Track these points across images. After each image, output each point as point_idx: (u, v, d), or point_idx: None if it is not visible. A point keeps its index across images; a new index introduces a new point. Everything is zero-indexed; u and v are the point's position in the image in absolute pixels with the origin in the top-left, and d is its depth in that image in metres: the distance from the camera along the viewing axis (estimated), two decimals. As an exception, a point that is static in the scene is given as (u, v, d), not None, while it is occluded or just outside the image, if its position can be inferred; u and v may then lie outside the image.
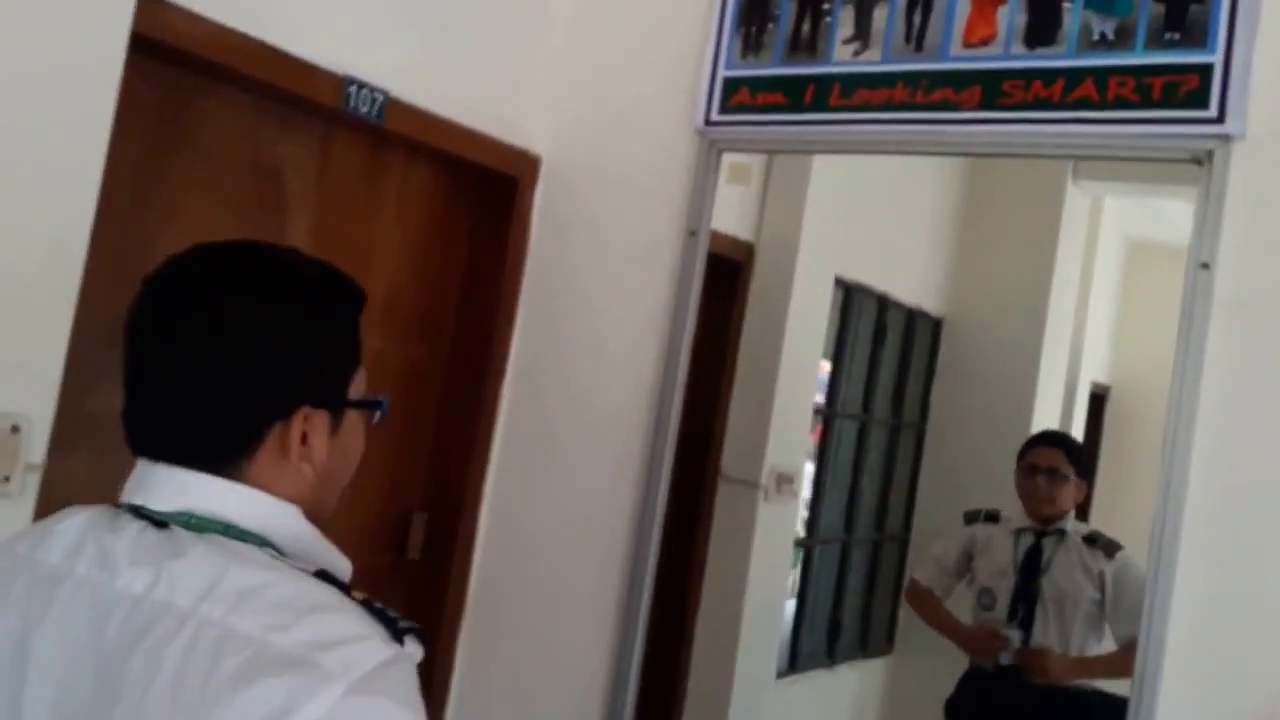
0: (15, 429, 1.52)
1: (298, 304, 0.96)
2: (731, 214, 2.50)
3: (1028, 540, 2.75)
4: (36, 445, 1.55)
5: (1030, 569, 2.71)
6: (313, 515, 0.98)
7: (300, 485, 0.96)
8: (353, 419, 1.00)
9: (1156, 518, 1.76)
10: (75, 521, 0.95)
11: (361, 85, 2.07)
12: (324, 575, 0.89)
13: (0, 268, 1.52)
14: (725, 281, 2.57)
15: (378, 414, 1.03)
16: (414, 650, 0.86)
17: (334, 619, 0.84)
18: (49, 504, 1.57)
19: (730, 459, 2.69)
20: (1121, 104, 1.83)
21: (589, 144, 2.42)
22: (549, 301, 2.42)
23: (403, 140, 2.22)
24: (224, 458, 0.93)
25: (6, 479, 1.51)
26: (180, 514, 0.91)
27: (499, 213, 2.41)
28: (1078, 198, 3.18)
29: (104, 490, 1.82)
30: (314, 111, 2.08)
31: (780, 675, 2.97)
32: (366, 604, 0.87)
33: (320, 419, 0.96)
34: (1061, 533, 2.71)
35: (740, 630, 2.72)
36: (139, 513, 0.93)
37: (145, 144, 1.85)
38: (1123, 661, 2.52)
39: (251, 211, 2.06)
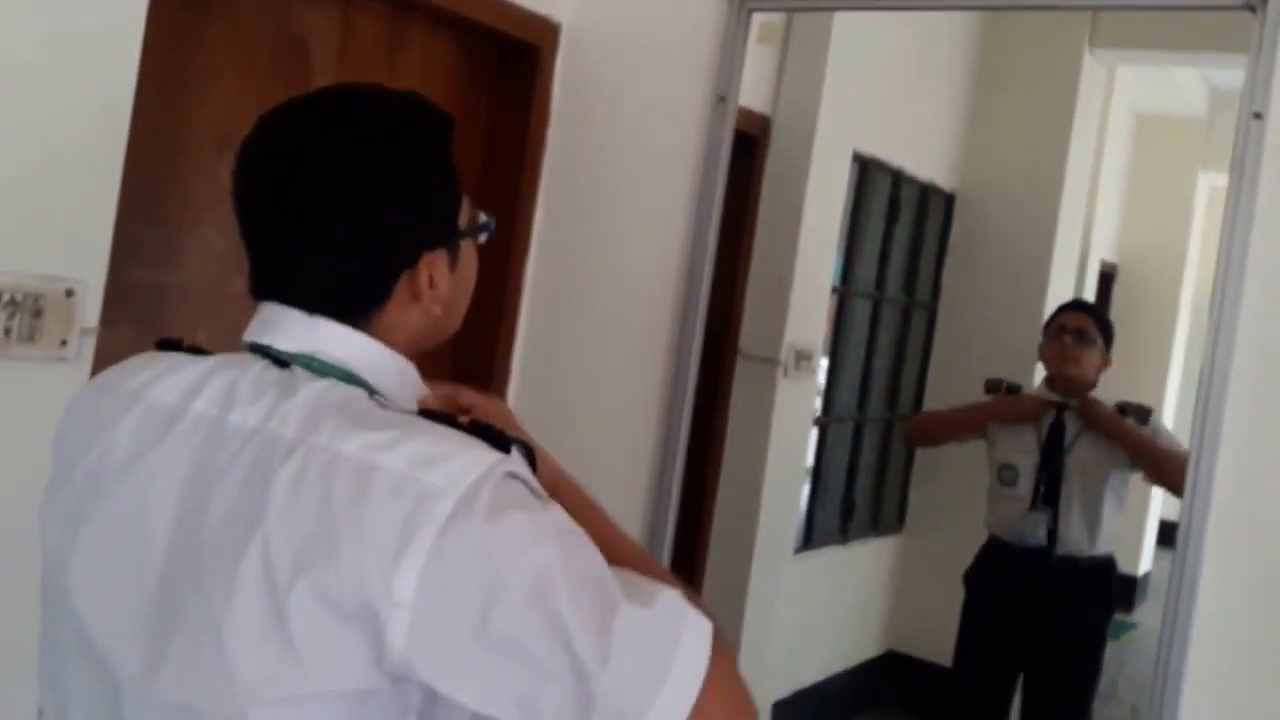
0: (70, 293, 1.53)
1: (407, 154, 0.97)
2: (747, 84, 2.46)
3: (1051, 416, 2.79)
4: (90, 310, 1.57)
5: (1054, 445, 2.76)
6: (438, 339, 1.02)
7: (426, 321, 0.99)
8: (467, 245, 1.03)
9: (1204, 374, 1.75)
10: (196, 368, 0.96)
11: (381, -55, 2.03)
12: (427, 412, 0.91)
13: (53, 134, 1.53)
14: (739, 154, 2.54)
15: (485, 234, 1.06)
16: (518, 456, 0.87)
17: (436, 435, 0.85)
18: (102, 369, 1.57)
19: (749, 337, 2.70)
20: (1173, -53, 1.81)
21: (612, 7, 2.37)
22: (572, 174, 2.40)
23: (424, 8, 2.18)
24: (358, 311, 0.95)
25: (64, 342, 1.53)
26: (303, 355, 0.93)
27: (520, 83, 2.38)
28: (1094, 67, 3.17)
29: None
30: (336, -26, 2.05)
31: (796, 551, 3.04)
32: (473, 425, 0.87)
33: (441, 258, 0.98)
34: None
35: (760, 506, 2.76)
36: (264, 352, 0.95)
37: (174, 15, 1.82)
38: (1150, 446, 2.61)
39: (278, 82, 2.04)
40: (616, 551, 0.90)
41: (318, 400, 0.88)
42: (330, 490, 0.81)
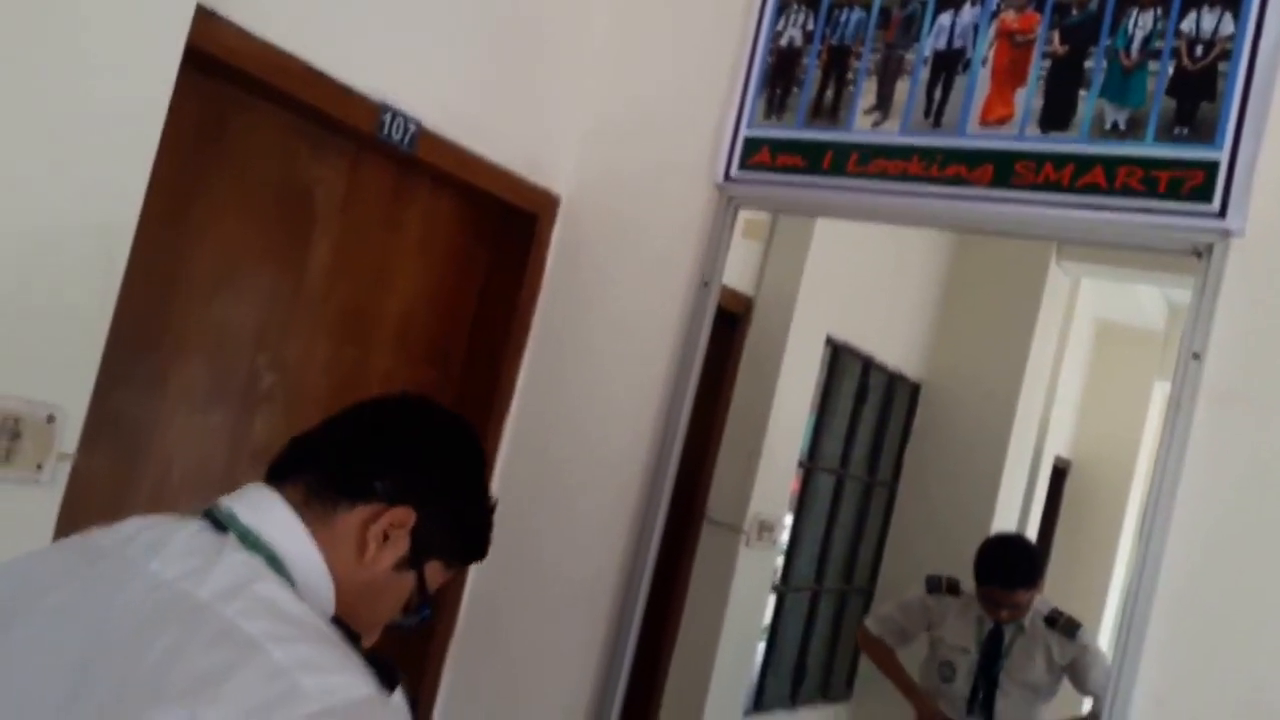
0: (51, 418, 1.49)
1: (472, 485, 1.08)
2: (734, 268, 2.49)
3: (989, 623, 2.74)
4: (69, 435, 1.53)
5: (991, 652, 2.70)
6: (348, 617, 0.99)
7: (345, 568, 0.98)
8: (406, 580, 1.03)
9: (1128, 601, 1.75)
10: (138, 521, 0.97)
11: (396, 114, 2.06)
12: (338, 622, 0.91)
13: (50, 261, 1.50)
14: (723, 331, 2.55)
15: (418, 609, 1.06)
16: (399, 701, 0.86)
17: (333, 648, 0.85)
18: (75, 494, 1.55)
19: (716, 503, 2.67)
20: (1128, 193, 1.83)
21: (610, 188, 2.41)
22: (558, 337, 2.40)
23: (430, 169, 2.21)
24: (326, 491, 0.98)
25: (39, 466, 1.49)
26: (245, 527, 0.93)
27: (517, 247, 2.40)
28: (1059, 277, 3.21)
29: (122, 486, 1.81)
30: (348, 135, 2.07)
31: (746, 713, 2.94)
32: (371, 655, 0.88)
33: (403, 540, 1.00)
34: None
35: (714, 669, 2.69)
36: (209, 514, 0.95)
37: (185, 154, 1.83)
38: None
39: (279, 229, 2.04)
40: None
41: (240, 576, 0.88)
42: (211, 655, 0.81)
